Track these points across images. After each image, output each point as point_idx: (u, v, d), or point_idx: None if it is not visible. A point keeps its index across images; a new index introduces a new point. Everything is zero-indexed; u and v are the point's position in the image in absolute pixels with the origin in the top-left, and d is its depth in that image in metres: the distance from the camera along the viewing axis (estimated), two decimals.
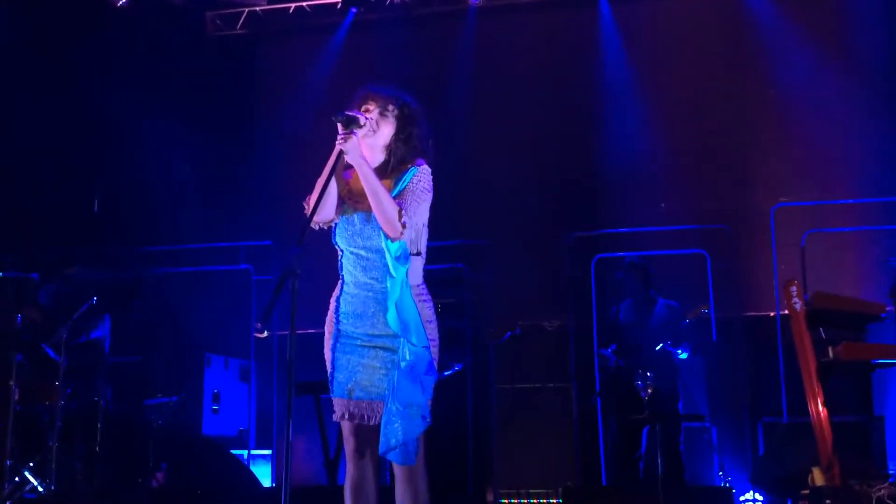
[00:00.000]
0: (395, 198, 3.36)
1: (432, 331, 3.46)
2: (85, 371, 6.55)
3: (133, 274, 8.07)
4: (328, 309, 3.56)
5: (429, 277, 3.60)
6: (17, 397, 6.06)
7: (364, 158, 3.35)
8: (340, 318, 3.48)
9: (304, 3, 8.92)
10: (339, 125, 3.36)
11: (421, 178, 3.45)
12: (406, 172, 3.45)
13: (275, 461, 7.69)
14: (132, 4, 8.48)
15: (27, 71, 7.84)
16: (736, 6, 8.10)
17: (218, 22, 9.23)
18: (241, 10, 9.06)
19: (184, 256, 8.25)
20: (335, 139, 3.35)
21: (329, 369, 3.50)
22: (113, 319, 6.98)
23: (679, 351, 6.47)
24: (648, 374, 5.70)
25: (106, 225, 8.32)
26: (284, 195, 8.12)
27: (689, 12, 8.29)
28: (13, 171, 7.69)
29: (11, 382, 6.02)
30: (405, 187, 3.42)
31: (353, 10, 8.66)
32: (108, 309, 6.89)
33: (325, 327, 3.55)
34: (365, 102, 3.51)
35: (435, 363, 3.43)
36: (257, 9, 8.99)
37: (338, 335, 3.48)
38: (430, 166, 3.51)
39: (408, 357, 3.34)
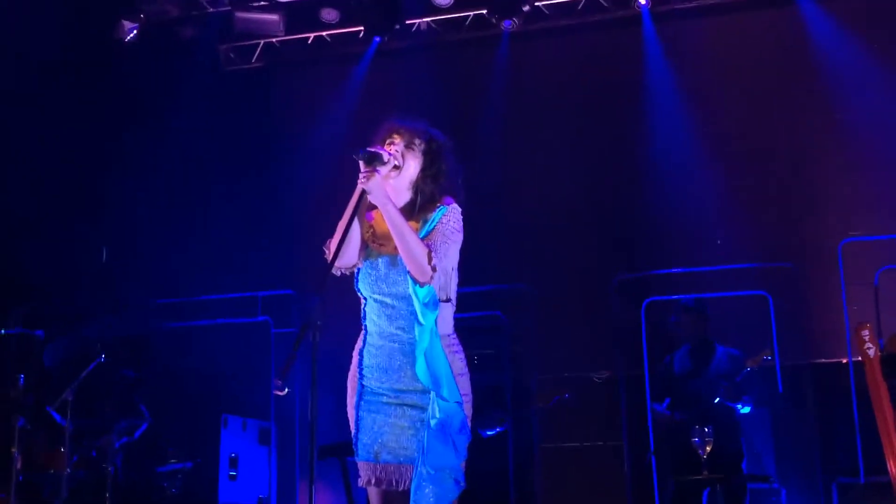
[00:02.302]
0: (423, 239, 3.37)
1: (464, 384, 3.44)
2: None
3: (144, 328, 8.14)
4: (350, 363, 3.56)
5: (463, 326, 3.59)
6: (19, 465, 6.10)
7: (388, 197, 3.37)
8: (364, 373, 3.48)
9: (325, 33, 9.04)
10: (361, 163, 3.39)
11: (451, 217, 3.46)
12: (434, 212, 3.46)
13: None
14: (140, 40, 8.64)
15: (31, 112, 7.99)
16: (795, 23, 8.06)
17: (232, 55, 9.37)
18: (256, 42, 9.19)
19: (197, 308, 8.31)
20: (357, 178, 3.37)
21: (353, 430, 3.49)
22: (119, 379, 7.03)
23: (740, 405, 6.39)
24: (707, 429, 5.63)
25: (114, 276, 8.41)
26: (305, 240, 8.17)
27: (743, 31, 8.29)
28: (15, 218, 7.82)
29: (14, 449, 6.07)
30: (434, 228, 3.42)
31: (377, 38, 8.76)
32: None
33: (348, 383, 3.55)
34: (389, 137, 3.53)
35: (468, 420, 3.41)
36: (274, 40, 9.12)
37: (361, 391, 3.47)
38: (460, 205, 3.52)
39: (438, 414, 3.31)
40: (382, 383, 3.44)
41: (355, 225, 3.42)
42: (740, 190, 7.96)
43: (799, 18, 8.09)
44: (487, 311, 7.50)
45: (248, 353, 7.98)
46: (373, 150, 3.41)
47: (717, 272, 7.52)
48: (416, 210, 3.50)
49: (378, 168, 3.38)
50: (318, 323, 3.06)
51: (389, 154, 3.44)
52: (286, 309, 8.02)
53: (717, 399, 6.37)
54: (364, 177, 3.36)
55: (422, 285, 3.33)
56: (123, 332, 7.74)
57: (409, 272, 3.34)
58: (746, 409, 6.43)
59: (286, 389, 3.04)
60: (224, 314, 8.22)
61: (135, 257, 8.50)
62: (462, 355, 3.50)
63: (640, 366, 7.19)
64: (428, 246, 3.33)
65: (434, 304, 3.37)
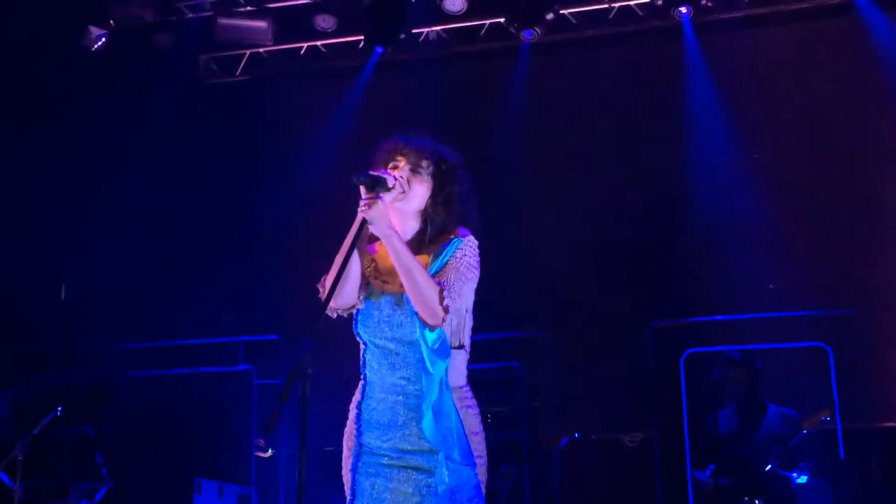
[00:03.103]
0: (434, 276, 3.35)
1: (479, 444, 3.41)
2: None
3: (108, 377, 8.11)
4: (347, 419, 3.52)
5: (473, 378, 3.57)
6: None
7: (393, 228, 3.35)
8: (362, 430, 3.45)
9: (319, 43, 9.08)
10: (362, 188, 3.38)
11: (466, 251, 3.43)
12: (447, 245, 3.44)
13: None
14: (110, 48, 8.67)
15: None
16: (856, 34, 8.07)
17: (214, 67, 9.42)
18: (241, 52, 9.23)
19: (170, 355, 8.29)
20: (357, 205, 3.36)
21: (348, 497, 3.46)
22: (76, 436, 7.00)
23: (795, 474, 6.35)
24: (757, 501, 5.58)
25: (74, 316, 8.40)
26: (294, 277, 8.16)
27: (797, 43, 8.29)
28: None
29: None
30: (447, 263, 3.40)
31: (379, 49, 8.80)
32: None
33: (344, 442, 3.52)
34: (392, 159, 3.52)
35: (482, 486, 3.37)
36: (261, 50, 9.16)
37: (359, 451, 3.44)
38: (476, 235, 3.50)
39: (447, 479, 3.28)
40: (384, 442, 3.40)
41: (355, 260, 3.40)
42: (795, 225, 7.95)
43: (861, 28, 8.09)
44: (502, 361, 7.48)
45: (226, 407, 7.96)
46: (376, 173, 3.40)
47: (769, 320, 7.50)
48: (427, 242, 3.48)
49: (381, 195, 3.36)
50: (309, 372, 3.01)
51: (395, 178, 3.43)
52: (271, 356, 7.99)
53: (769, 466, 6.35)
54: (365, 204, 3.33)
55: (432, 329, 3.31)
56: (84, 381, 7.71)
57: (416, 314, 3.32)
58: (803, 479, 6.39)
59: (270, 450, 3.00)
60: (200, 361, 8.21)
61: (98, 295, 8.50)
62: (476, 411, 3.47)
63: (679, 427, 7.16)
64: (439, 284, 3.31)
65: (444, 350, 3.35)
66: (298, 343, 3.04)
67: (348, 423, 3.52)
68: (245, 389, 7.93)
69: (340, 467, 3.55)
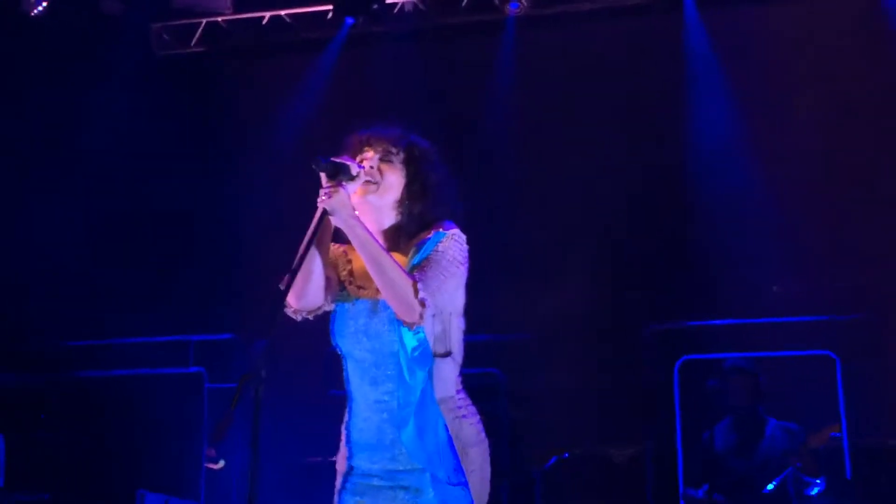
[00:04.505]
0: (412, 270, 3.32)
1: (476, 457, 3.42)
2: None
3: (39, 380, 8.08)
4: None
5: None
6: None
7: (356, 217, 3.32)
8: (353, 452, 3.46)
9: (283, 13, 9.04)
10: (323, 176, 3.37)
11: (449, 244, 3.41)
12: (429, 239, 3.41)
13: None
14: (50, 15, 8.60)
15: None
16: (880, 12, 8.09)
17: (166, 37, 9.37)
18: (197, 20, 9.18)
19: (111, 355, 8.25)
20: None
21: None
22: (9, 444, 6.97)
23: (819, 480, 6.38)
24: None
25: (3, 313, 8.35)
26: (251, 271, 8.16)
27: (813, 20, 8.23)
28: None
29: None
30: (427, 256, 3.38)
31: (350, 20, 8.79)
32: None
33: (337, 465, 3.52)
34: (359, 152, 3.51)
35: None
36: (219, 19, 9.11)
37: (348, 473, 3.45)
38: (462, 229, 3.48)
39: (434, 500, 3.29)
40: (374, 463, 3.41)
41: (317, 257, 3.37)
42: (803, 222, 7.97)
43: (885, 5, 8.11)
44: (480, 367, 7.47)
45: (174, 413, 7.93)
46: (338, 160, 3.38)
47: (771, 325, 7.52)
48: (404, 237, 3.47)
49: (344, 183, 3.35)
50: (263, 374, 3.01)
51: (360, 167, 3.41)
52: (225, 358, 7.98)
53: (770, 485, 6.36)
54: (325, 193, 3.29)
55: (410, 327, 3.29)
56: (14, 384, 7.69)
57: (395, 319, 3.29)
58: (815, 492, 6.40)
59: (222, 461, 3.01)
60: (145, 362, 8.17)
61: (29, 289, 8.45)
62: (474, 419, 3.46)
63: (672, 441, 7.18)
64: (413, 277, 3.30)
65: (425, 359, 3.33)
66: (253, 344, 3.04)
67: (340, 444, 3.52)
68: (195, 393, 7.90)
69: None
